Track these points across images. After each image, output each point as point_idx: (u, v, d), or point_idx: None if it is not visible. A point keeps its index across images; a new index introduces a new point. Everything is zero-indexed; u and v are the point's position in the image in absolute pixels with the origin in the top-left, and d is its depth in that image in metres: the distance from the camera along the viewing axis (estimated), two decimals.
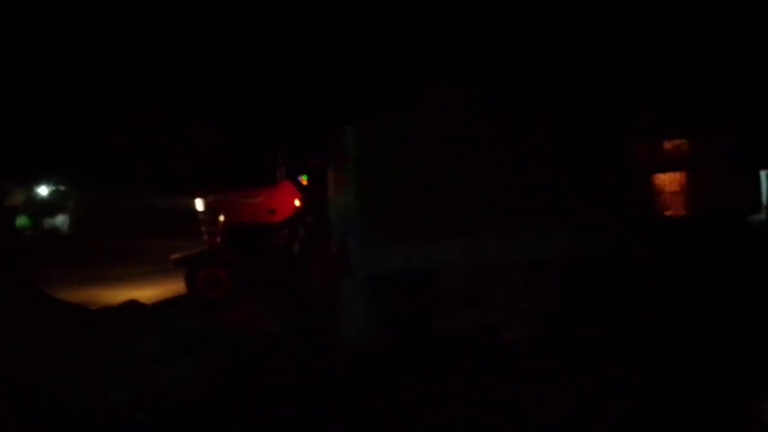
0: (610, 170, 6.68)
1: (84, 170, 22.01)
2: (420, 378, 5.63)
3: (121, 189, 21.44)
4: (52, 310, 7.09)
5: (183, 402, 5.26)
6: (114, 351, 6.10)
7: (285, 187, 10.10)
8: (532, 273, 6.42)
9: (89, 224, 20.96)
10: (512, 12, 16.91)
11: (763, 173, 10.98)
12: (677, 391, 5.03)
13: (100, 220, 21.09)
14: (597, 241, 6.45)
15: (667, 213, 9.74)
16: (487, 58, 15.95)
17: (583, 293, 6.35)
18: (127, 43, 21.80)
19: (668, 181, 10.30)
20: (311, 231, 9.05)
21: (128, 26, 21.71)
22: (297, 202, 9.86)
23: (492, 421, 4.78)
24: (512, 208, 6.38)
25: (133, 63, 21.80)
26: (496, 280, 6.50)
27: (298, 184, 10.05)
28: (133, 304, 7.43)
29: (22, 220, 21.62)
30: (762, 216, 10.70)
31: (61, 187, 22.91)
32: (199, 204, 10.45)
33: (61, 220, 22.11)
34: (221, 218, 10.15)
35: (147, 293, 10.19)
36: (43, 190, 22.77)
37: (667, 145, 10.44)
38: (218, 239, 10.14)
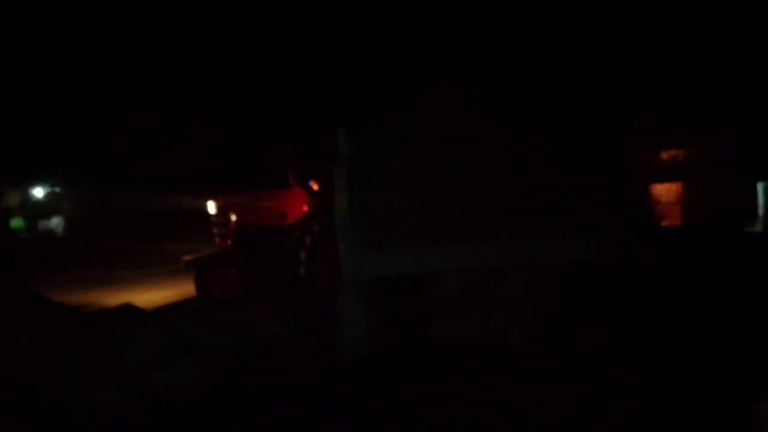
0: (610, 171, 6.66)
1: (84, 170, 21.97)
2: (419, 379, 5.62)
3: (118, 189, 21.36)
4: (49, 311, 7.09)
5: (180, 403, 5.28)
6: (111, 352, 6.14)
7: (295, 191, 10.16)
8: (532, 277, 6.36)
9: (84, 226, 20.88)
10: (512, 12, 16.95)
11: (759, 185, 11.05)
12: (676, 392, 5.07)
13: (95, 221, 21.01)
14: (597, 245, 6.40)
15: (664, 223, 9.79)
16: (487, 59, 15.96)
17: (583, 297, 6.30)
18: (127, 43, 21.83)
19: (665, 191, 10.37)
20: (318, 235, 9.08)
21: (128, 26, 21.73)
22: (306, 206, 9.91)
23: (492, 422, 4.80)
24: (512, 211, 6.33)
25: (132, 63, 21.81)
26: (495, 284, 6.42)
27: (308, 187, 10.09)
28: (128, 307, 7.44)
29: (17, 222, 21.58)
30: (758, 227, 10.76)
31: (57, 189, 22.88)
32: (211, 206, 10.56)
33: (56, 222, 22.09)
34: (232, 220, 10.24)
35: (145, 297, 10.16)
36: (38, 192, 22.74)
37: (664, 155, 10.51)
38: (229, 241, 10.22)
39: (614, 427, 4.63)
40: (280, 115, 18.31)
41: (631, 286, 6.35)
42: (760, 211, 10.88)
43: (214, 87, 21.16)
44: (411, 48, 17.48)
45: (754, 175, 10.61)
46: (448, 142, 6.41)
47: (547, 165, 6.47)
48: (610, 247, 6.44)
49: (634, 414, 4.75)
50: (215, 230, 10.53)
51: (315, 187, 10.14)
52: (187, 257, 10.21)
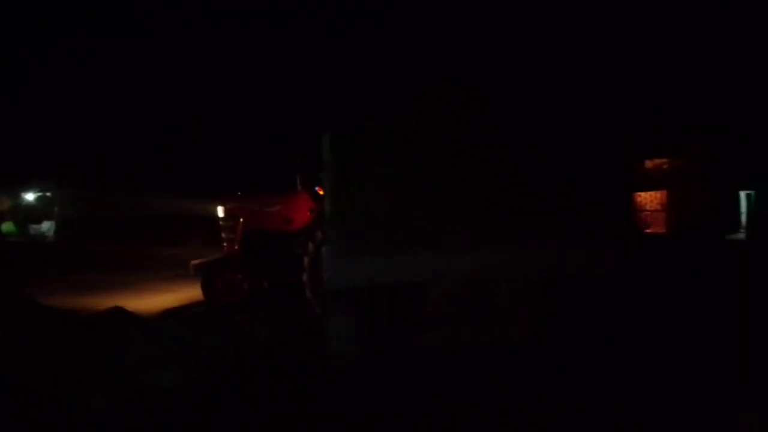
0: (610, 172, 6.52)
1: (83, 171, 21.87)
2: (410, 382, 5.66)
3: (118, 190, 21.20)
4: (40, 315, 7.12)
5: (170, 407, 5.31)
6: (101, 356, 6.13)
7: (301, 197, 10.27)
8: (523, 288, 6.32)
9: (76, 230, 20.74)
10: (512, 12, 17.01)
11: (742, 193, 11.22)
12: (657, 401, 5.12)
13: (90, 224, 20.83)
14: (586, 257, 6.28)
15: (648, 230, 9.92)
16: (487, 59, 15.97)
17: (574, 309, 6.25)
18: (127, 43, 21.81)
19: (649, 199, 10.52)
20: (320, 241, 9.19)
21: (128, 26, 21.71)
22: (310, 212, 10.02)
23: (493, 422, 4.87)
24: (505, 218, 6.24)
25: (132, 63, 21.79)
26: (484, 295, 6.37)
27: (314, 193, 10.18)
28: (118, 311, 7.44)
29: (7, 227, 21.48)
30: (741, 235, 10.92)
31: (48, 193, 22.77)
32: (220, 211, 10.67)
33: (46, 226, 21.96)
34: (240, 225, 10.36)
35: (140, 303, 10.14)
36: (29, 196, 22.64)
37: (648, 164, 10.67)
38: (236, 246, 10.35)
39: None
40: (280, 116, 18.37)
41: (616, 296, 6.30)
42: (743, 218, 11.06)
43: (214, 87, 21.19)
44: (411, 48, 17.52)
45: (737, 183, 10.79)
46: (439, 145, 6.33)
47: (546, 165, 6.38)
48: (601, 258, 6.30)
49: (612, 428, 4.78)
50: (223, 234, 10.65)
51: (321, 192, 10.26)
52: (196, 261, 10.44)
